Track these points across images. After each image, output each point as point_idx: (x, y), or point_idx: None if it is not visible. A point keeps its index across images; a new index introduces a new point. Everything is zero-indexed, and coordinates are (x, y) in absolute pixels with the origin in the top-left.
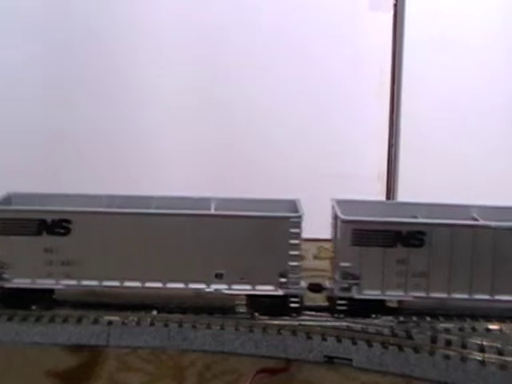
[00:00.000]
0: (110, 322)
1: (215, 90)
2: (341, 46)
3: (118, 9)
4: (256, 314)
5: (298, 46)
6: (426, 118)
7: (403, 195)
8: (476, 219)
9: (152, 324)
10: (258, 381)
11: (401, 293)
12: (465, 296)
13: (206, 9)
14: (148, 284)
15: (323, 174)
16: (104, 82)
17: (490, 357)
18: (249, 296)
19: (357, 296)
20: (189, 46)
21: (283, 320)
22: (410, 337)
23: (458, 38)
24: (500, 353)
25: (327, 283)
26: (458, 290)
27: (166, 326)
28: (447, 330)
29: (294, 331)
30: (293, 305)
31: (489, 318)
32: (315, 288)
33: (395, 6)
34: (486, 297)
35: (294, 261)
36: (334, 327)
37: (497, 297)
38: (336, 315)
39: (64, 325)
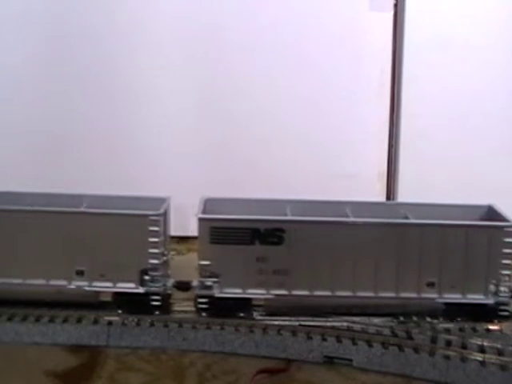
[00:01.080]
0: (109, 322)
1: (215, 90)
2: (341, 46)
3: (117, 9)
4: (120, 312)
5: (297, 46)
6: (426, 117)
7: (403, 195)
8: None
9: (152, 324)
10: (258, 381)
11: (262, 291)
12: (327, 293)
13: (205, 9)
14: (11, 280)
15: (323, 174)
16: (104, 81)
17: (491, 357)
18: (115, 293)
19: (217, 294)
20: (189, 46)
21: (283, 320)
22: (410, 337)
23: (458, 38)
24: (500, 353)
25: (194, 281)
26: (320, 287)
27: (166, 326)
28: (447, 331)
29: (293, 331)
30: (154, 303)
31: (351, 315)
32: (183, 286)
33: (395, 5)
34: (348, 293)
35: (154, 259)
36: (334, 327)
37: (359, 293)
38: (199, 314)
39: (64, 325)
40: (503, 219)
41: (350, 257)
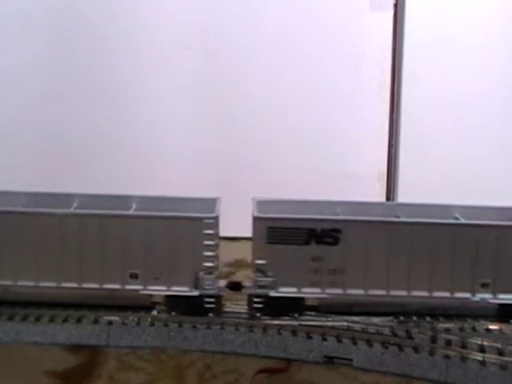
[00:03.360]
0: (109, 322)
1: (215, 91)
2: (341, 46)
3: (118, 9)
4: (173, 313)
5: (298, 46)
6: (426, 117)
7: (403, 195)
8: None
9: (152, 324)
10: (258, 381)
11: (317, 290)
12: (382, 292)
13: (206, 9)
14: (64, 284)
15: (323, 174)
16: (104, 82)
17: (490, 357)
18: (167, 296)
19: (272, 294)
20: (189, 47)
21: (283, 320)
22: (410, 337)
23: (458, 38)
24: (500, 353)
25: (247, 282)
26: (374, 286)
27: (166, 326)
28: (447, 330)
29: (294, 331)
30: (208, 305)
31: (407, 315)
32: (234, 286)
33: (395, 5)
34: (403, 293)
35: (209, 261)
36: (334, 327)
37: (413, 293)
38: (254, 314)
39: (64, 325)
40: None
41: (404, 257)
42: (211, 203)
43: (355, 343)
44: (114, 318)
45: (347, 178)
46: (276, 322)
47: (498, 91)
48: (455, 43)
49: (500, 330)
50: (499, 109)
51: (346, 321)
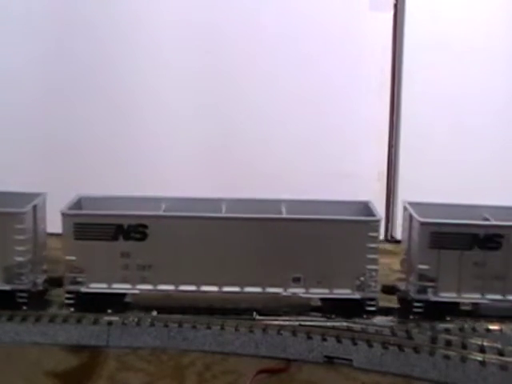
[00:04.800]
0: (109, 322)
1: (215, 91)
2: (341, 46)
3: (118, 9)
4: (333, 316)
5: (298, 46)
6: (426, 118)
7: (403, 195)
8: None
9: (152, 324)
10: (258, 381)
11: (477, 295)
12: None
13: (206, 9)
14: (225, 288)
15: (323, 174)
16: (104, 82)
17: (491, 357)
18: (324, 299)
19: (433, 298)
20: (189, 47)
21: (283, 320)
22: (410, 337)
23: (457, 38)
24: (500, 353)
25: (401, 285)
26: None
27: (166, 326)
28: (447, 330)
29: (293, 331)
30: (369, 308)
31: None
32: (389, 290)
33: (395, 6)
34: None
35: (371, 264)
36: (334, 327)
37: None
38: (411, 317)
39: (64, 325)
40: None
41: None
42: (364, 206)
43: (355, 343)
44: (114, 319)
45: (347, 178)
46: (276, 323)
47: (497, 91)
48: (455, 43)
49: (500, 331)
50: (499, 109)
51: (346, 321)
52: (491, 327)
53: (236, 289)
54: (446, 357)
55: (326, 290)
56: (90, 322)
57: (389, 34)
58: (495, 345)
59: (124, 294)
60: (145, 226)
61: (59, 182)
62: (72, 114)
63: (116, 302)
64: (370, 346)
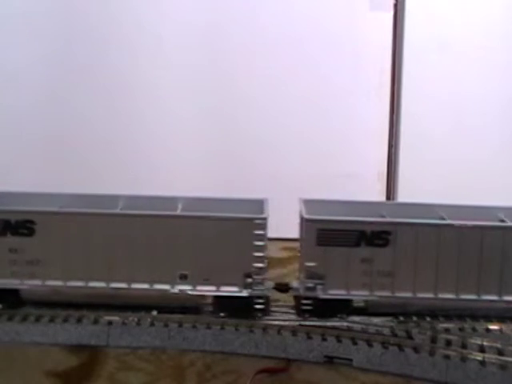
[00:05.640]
0: (110, 322)
1: (215, 91)
2: (341, 45)
3: (118, 10)
4: (221, 314)
5: (298, 46)
6: (426, 118)
7: (403, 195)
8: (443, 218)
9: (152, 324)
10: (258, 381)
11: (366, 292)
12: (430, 295)
13: (206, 9)
14: (113, 285)
15: (323, 174)
16: (104, 83)
17: (490, 357)
18: (215, 296)
19: (322, 296)
20: (190, 47)
21: (283, 320)
22: (410, 337)
23: (458, 38)
24: (500, 353)
25: (294, 283)
26: (423, 289)
27: (166, 326)
28: (447, 330)
29: (293, 331)
30: (258, 306)
31: (451, 317)
32: (282, 288)
33: (395, 5)
34: (451, 296)
35: (258, 262)
36: (334, 327)
37: (461, 296)
38: (302, 315)
39: (64, 325)
40: None
41: (453, 259)
42: (259, 204)
43: (355, 343)
44: (114, 318)
45: (347, 178)
46: (276, 323)
47: (497, 91)
48: (455, 43)
49: (500, 330)
50: (499, 108)
51: (347, 321)
52: (491, 327)
53: (123, 285)
54: (446, 357)
55: (214, 288)
56: (90, 322)
57: (389, 33)
58: (495, 345)
59: (17, 290)
60: (32, 222)
61: (59, 182)
62: (72, 114)
63: (8, 298)
64: (370, 345)
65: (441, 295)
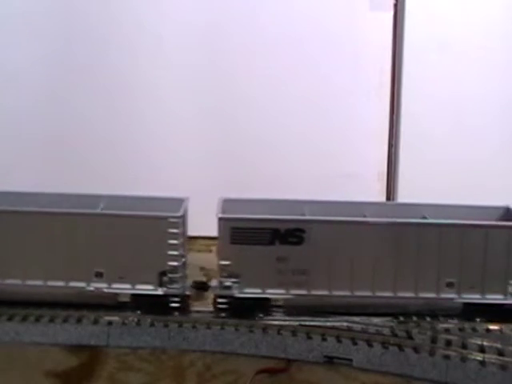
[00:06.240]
0: (109, 322)
1: (215, 91)
2: (341, 46)
3: (118, 10)
4: (138, 312)
5: (298, 46)
6: (426, 117)
7: (403, 195)
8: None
9: (152, 324)
10: (258, 381)
11: (282, 291)
12: (346, 293)
13: (206, 9)
14: (29, 282)
15: (323, 174)
16: (104, 83)
17: (491, 357)
18: (132, 294)
19: (237, 294)
20: (189, 47)
21: (283, 320)
22: (410, 337)
23: (458, 38)
24: (500, 353)
25: (213, 282)
26: (338, 287)
27: (166, 326)
28: (447, 330)
29: (293, 331)
30: (173, 304)
31: (368, 314)
32: (201, 287)
33: (395, 5)
34: (368, 293)
35: (173, 261)
36: (334, 327)
37: (377, 293)
38: (218, 314)
39: (64, 325)
40: None
41: (369, 257)
42: (179, 203)
43: (355, 343)
44: (114, 319)
45: (347, 178)
46: (276, 323)
47: (497, 91)
48: (455, 43)
49: (500, 331)
50: (499, 108)
51: (346, 321)
52: (491, 327)
53: (39, 282)
54: (446, 357)
55: (129, 286)
56: (90, 322)
57: (389, 34)
58: (495, 345)
59: None
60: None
61: (59, 182)
62: (72, 114)
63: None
64: (370, 345)
65: (357, 293)
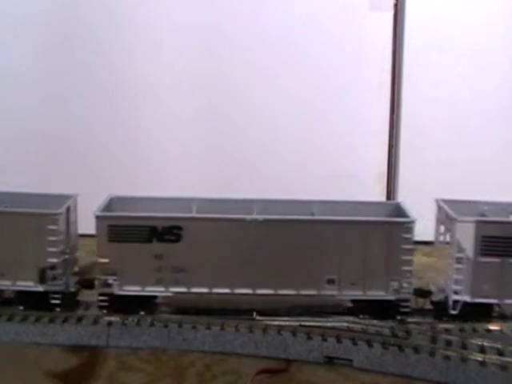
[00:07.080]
0: (109, 323)
1: (215, 91)
2: (341, 46)
3: (117, 10)
4: (21, 308)
5: (298, 46)
6: (426, 117)
7: (403, 195)
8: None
9: (152, 324)
10: (259, 381)
11: (161, 288)
12: (226, 290)
13: (206, 10)
14: (259, 291)
15: (324, 174)
16: (103, 84)
17: (491, 357)
18: (17, 291)
19: (117, 292)
20: (190, 48)
21: (283, 320)
22: (410, 337)
23: (457, 38)
24: (500, 353)
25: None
26: (219, 284)
27: (166, 326)
28: (447, 331)
29: (294, 332)
30: (54, 301)
31: (251, 311)
32: (87, 284)
33: (395, 5)
34: (249, 291)
35: (53, 257)
36: (334, 328)
37: (259, 291)
38: (100, 311)
39: (64, 325)
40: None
41: (247, 254)
42: (64, 200)
43: (355, 344)
44: (113, 319)
45: (347, 178)
46: (276, 323)
47: (497, 91)
48: (455, 43)
49: (500, 331)
50: (499, 108)
51: (347, 321)
52: (491, 327)
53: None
54: (447, 357)
55: (9, 282)
56: (90, 322)
57: (389, 34)
58: (495, 345)
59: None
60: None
61: (59, 182)
62: (72, 114)
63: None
64: (370, 346)
65: (237, 290)
